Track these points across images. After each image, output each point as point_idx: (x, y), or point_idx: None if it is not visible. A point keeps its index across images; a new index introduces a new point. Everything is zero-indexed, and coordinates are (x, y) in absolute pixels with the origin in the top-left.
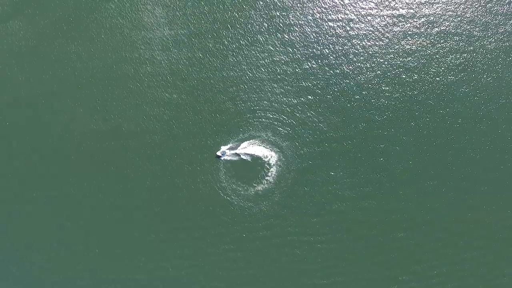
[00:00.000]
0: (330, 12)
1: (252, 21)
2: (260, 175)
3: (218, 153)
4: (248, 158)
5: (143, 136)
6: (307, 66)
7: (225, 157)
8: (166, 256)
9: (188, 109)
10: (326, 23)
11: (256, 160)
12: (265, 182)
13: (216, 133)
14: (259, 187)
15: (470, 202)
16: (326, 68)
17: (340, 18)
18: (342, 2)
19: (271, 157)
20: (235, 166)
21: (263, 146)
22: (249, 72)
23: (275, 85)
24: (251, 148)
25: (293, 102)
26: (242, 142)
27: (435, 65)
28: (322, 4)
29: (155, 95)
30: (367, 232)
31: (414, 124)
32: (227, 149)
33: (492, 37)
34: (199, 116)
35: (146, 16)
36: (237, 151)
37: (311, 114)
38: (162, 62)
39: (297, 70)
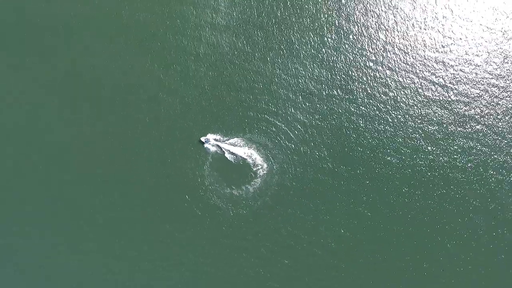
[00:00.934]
0: (389, 60)
1: (304, 32)
2: (243, 180)
3: (202, 139)
4: (232, 159)
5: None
6: (335, 93)
7: (208, 145)
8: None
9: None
10: (380, 68)
11: (243, 164)
12: (243, 189)
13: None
14: (236, 192)
15: None
16: (352, 106)
17: (392, 72)
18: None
19: (260, 167)
20: (221, 166)
21: (256, 152)
22: (279, 76)
23: (299, 100)
24: (240, 149)
25: (306, 122)
26: (232, 138)
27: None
28: (384, 49)
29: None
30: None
31: (414, 194)
32: (213, 139)
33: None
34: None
35: None
36: (222, 144)
37: (319, 140)
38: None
39: (323, 93)
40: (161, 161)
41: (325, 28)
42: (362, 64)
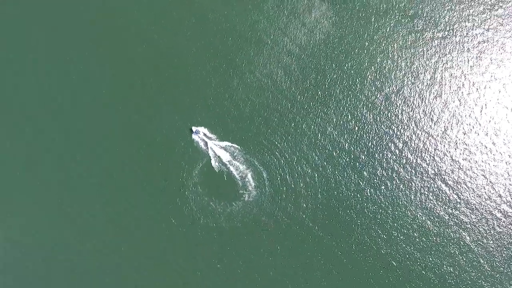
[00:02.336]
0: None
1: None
2: (225, 196)
3: (193, 128)
4: (216, 165)
5: None
6: (348, 161)
7: (196, 136)
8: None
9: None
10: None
11: (227, 179)
12: (222, 205)
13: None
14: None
15: None
16: (360, 179)
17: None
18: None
19: (248, 193)
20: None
21: (251, 176)
22: (305, 126)
23: (312, 153)
24: (237, 164)
25: (309, 173)
26: (223, 141)
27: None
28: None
29: None
30: None
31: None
32: (203, 133)
33: None
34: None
35: None
36: (209, 141)
37: (321, 188)
38: None
39: (339, 160)
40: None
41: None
42: (384, 149)
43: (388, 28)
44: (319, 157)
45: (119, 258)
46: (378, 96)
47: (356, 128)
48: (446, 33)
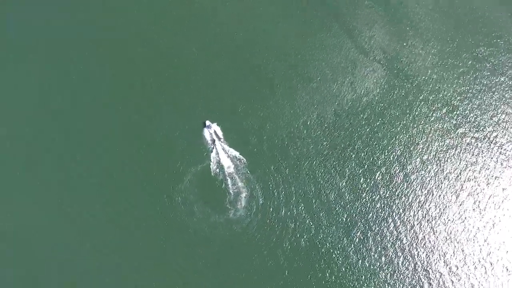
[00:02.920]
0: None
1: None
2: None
3: (207, 122)
4: (213, 168)
5: None
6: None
7: (208, 130)
8: None
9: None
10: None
11: (219, 187)
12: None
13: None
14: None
15: None
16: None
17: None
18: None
19: (234, 210)
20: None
21: (245, 190)
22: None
23: (317, 197)
24: (234, 174)
25: (313, 215)
26: (232, 148)
27: None
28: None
29: None
30: None
31: None
32: (215, 131)
33: None
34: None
35: None
36: (217, 142)
37: (308, 237)
38: None
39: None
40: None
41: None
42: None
43: (429, 114)
44: (319, 208)
45: (118, 258)
46: (398, 173)
47: (365, 195)
48: (483, 137)
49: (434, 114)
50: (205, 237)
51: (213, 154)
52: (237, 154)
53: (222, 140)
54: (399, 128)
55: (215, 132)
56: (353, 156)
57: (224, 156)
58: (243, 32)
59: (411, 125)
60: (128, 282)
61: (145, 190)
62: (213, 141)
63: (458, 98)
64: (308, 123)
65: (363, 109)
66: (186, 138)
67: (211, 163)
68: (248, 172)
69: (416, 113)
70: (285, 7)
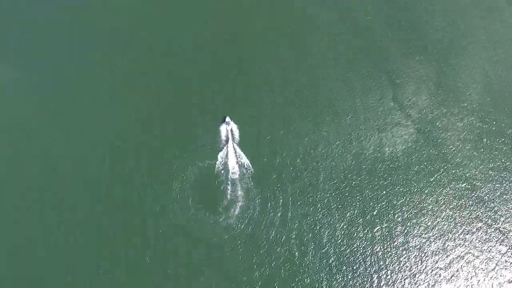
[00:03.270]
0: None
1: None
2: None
3: (227, 118)
4: (219, 163)
5: None
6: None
7: (226, 126)
8: None
9: None
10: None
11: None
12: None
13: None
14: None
15: None
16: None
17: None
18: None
19: (226, 214)
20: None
21: (242, 200)
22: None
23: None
24: (236, 180)
25: (304, 252)
26: (243, 153)
27: None
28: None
29: None
30: None
31: None
32: (232, 129)
33: None
34: None
35: None
36: (231, 141)
37: (290, 268)
38: None
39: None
40: None
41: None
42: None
43: (447, 185)
44: (310, 241)
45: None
46: (398, 235)
47: (358, 244)
48: (495, 227)
49: (452, 187)
50: (190, 234)
51: (222, 153)
52: (246, 161)
53: (235, 140)
54: (412, 190)
55: (231, 130)
56: (358, 202)
57: (232, 159)
58: (293, 70)
59: (426, 190)
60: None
61: (150, 175)
62: (227, 139)
63: (482, 180)
64: (325, 155)
65: (383, 160)
66: (205, 128)
67: (217, 161)
68: (251, 183)
69: (434, 180)
70: (336, 55)
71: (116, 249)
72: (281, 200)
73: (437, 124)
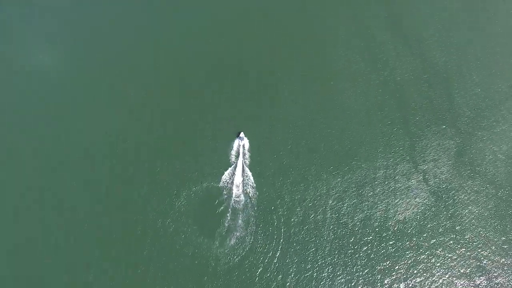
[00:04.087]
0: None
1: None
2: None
3: (241, 134)
4: (226, 177)
5: None
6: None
7: (239, 141)
8: None
9: None
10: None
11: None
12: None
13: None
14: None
15: None
16: None
17: None
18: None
19: (220, 241)
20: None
21: (240, 230)
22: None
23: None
24: (239, 209)
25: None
26: (249, 176)
27: None
28: None
29: None
30: None
31: None
32: (244, 145)
33: None
34: None
35: None
36: (241, 158)
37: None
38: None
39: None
40: None
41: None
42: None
43: (452, 251)
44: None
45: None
46: None
47: None
48: None
49: (457, 256)
50: (180, 251)
51: (229, 171)
52: (251, 190)
53: (246, 156)
54: (419, 258)
55: (243, 146)
56: (362, 261)
57: (239, 178)
58: (321, 116)
59: (433, 260)
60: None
61: (154, 187)
62: (238, 155)
63: (489, 255)
64: (332, 203)
65: (393, 222)
66: (218, 141)
67: (222, 176)
68: (254, 214)
69: (438, 244)
70: (367, 107)
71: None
72: (281, 240)
73: (453, 195)
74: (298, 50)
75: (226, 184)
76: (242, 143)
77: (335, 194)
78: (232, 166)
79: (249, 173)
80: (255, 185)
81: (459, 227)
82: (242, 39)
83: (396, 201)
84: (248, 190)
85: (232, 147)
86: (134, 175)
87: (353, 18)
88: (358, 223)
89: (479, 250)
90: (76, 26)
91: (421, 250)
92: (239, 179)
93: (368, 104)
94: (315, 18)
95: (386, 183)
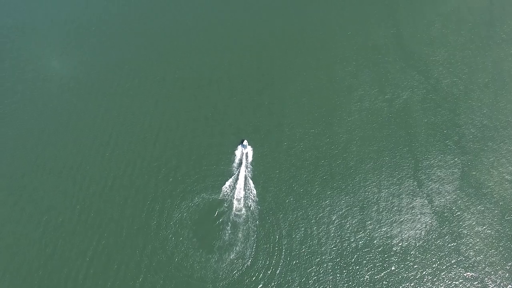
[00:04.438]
0: None
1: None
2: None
3: (245, 142)
4: (227, 187)
5: None
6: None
7: (242, 148)
8: None
9: None
10: None
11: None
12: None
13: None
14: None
15: None
16: None
17: None
18: None
19: (219, 255)
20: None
21: (239, 245)
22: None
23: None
24: (239, 224)
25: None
26: (254, 185)
27: None
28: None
29: None
30: None
31: None
32: (247, 153)
33: None
34: None
35: None
36: (243, 168)
37: None
38: None
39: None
40: None
41: None
42: None
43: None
44: None
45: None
46: None
47: None
48: None
49: (462, 279)
50: (178, 265)
51: (230, 181)
52: (254, 196)
53: (249, 164)
54: (421, 273)
55: (247, 154)
56: (359, 274)
57: (240, 192)
58: (325, 136)
59: (433, 273)
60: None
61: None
62: (241, 163)
63: (495, 279)
64: (336, 220)
65: (394, 239)
66: (221, 148)
67: (223, 186)
68: (254, 227)
69: (443, 265)
70: (370, 128)
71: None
72: (283, 257)
73: (459, 220)
74: (305, 64)
75: (227, 197)
76: (245, 151)
77: (338, 211)
78: (234, 176)
79: (252, 185)
80: (257, 199)
81: (464, 249)
82: (249, 50)
83: (400, 220)
84: (249, 203)
85: (235, 154)
86: (133, 185)
87: (360, 35)
88: (361, 241)
89: (484, 273)
90: (86, 34)
91: (425, 271)
92: (240, 193)
93: (373, 121)
94: (322, 33)
95: (390, 201)
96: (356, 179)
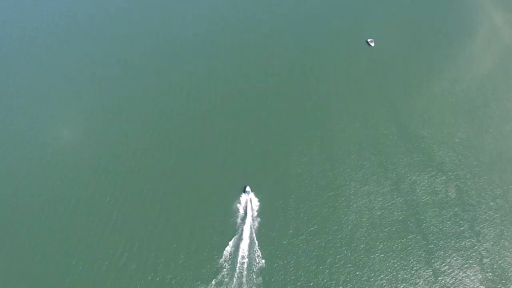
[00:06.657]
0: None
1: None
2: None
3: (248, 188)
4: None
5: None
6: None
7: (245, 195)
8: None
9: None
10: None
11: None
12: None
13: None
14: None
15: None
16: None
17: None
18: None
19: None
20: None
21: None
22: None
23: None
24: (243, 275)
25: None
26: (255, 240)
27: None
28: None
29: None
30: None
31: None
32: (251, 201)
33: None
34: None
35: None
36: (249, 215)
37: None
38: None
39: None
40: None
41: None
42: None
43: None
44: None
45: None
46: None
47: None
48: None
49: None
50: None
51: (234, 240)
52: (259, 256)
53: (254, 214)
54: None
55: (250, 200)
56: None
57: (245, 249)
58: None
59: None
60: None
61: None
62: (245, 215)
63: None
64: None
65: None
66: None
67: (227, 246)
68: (257, 282)
69: None
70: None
71: None
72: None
73: None
74: (309, 139)
75: (228, 263)
76: (249, 197)
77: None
78: (236, 239)
79: (257, 247)
80: (264, 265)
81: None
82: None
83: None
84: (252, 271)
85: (240, 201)
86: (130, 235)
87: (363, 120)
88: None
89: None
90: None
91: None
92: (244, 259)
93: (380, 205)
94: (327, 110)
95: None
96: (369, 261)
